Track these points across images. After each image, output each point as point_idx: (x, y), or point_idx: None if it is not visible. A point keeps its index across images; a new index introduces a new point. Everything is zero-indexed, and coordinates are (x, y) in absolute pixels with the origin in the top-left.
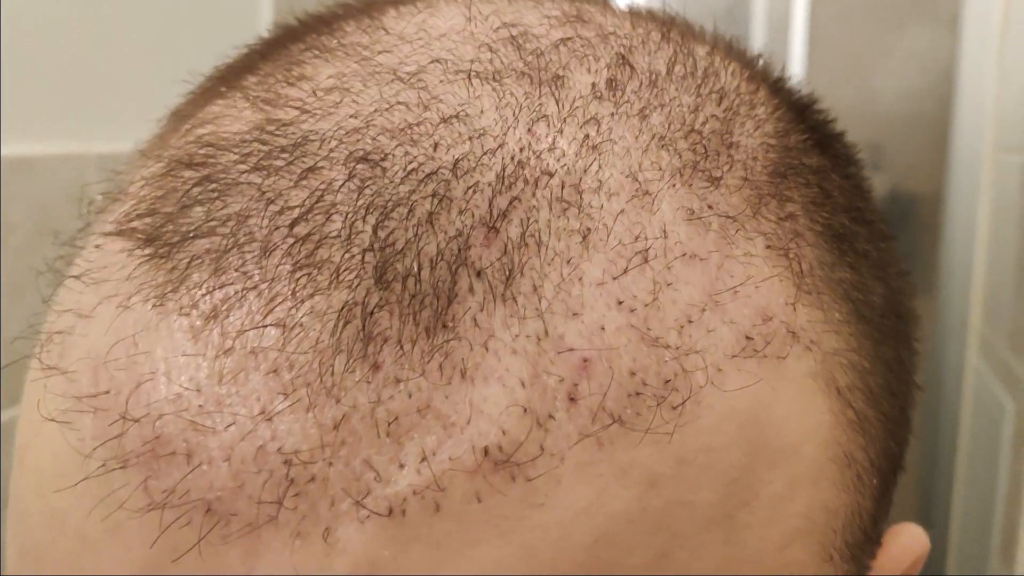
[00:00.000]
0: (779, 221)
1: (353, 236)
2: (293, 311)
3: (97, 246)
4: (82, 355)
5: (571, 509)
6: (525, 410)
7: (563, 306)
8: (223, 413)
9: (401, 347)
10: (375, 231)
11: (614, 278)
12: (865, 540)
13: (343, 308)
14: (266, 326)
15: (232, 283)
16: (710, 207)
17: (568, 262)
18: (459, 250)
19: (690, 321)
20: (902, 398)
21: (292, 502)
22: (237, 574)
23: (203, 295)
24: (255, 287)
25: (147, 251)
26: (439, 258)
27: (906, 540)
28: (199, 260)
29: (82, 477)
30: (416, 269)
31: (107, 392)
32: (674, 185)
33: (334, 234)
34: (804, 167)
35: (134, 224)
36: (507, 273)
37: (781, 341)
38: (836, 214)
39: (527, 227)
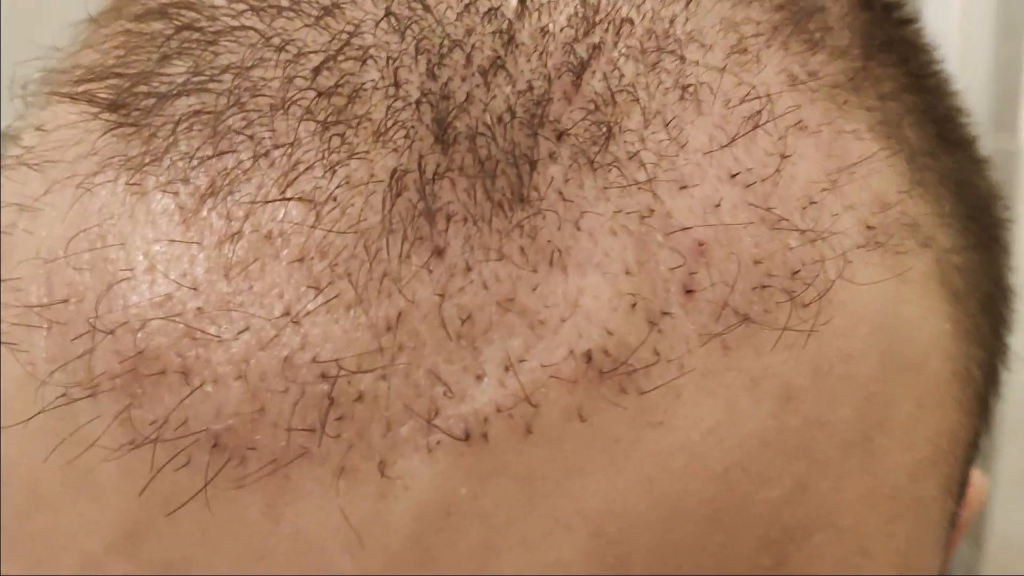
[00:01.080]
0: (880, 99)
1: (397, 86)
2: (323, 181)
3: (40, 126)
4: (28, 256)
5: (696, 429)
6: (633, 305)
7: (668, 177)
8: (231, 317)
9: (471, 225)
10: (425, 80)
11: (723, 146)
12: (967, 475)
13: (393, 176)
14: (288, 199)
15: (235, 150)
16: (811, 74)
17: (668, 124)
18: (535, 105)
19: (812, 202)
20: (1003, 307)
21: (334, 428)
22: (258, 528)
23: (195, 167)
24: (267, 153)
25: (112, 117)
26: (510, 115)
27: (973, 487)
28: (186, 124)
29: (35, 411)
30: (484, 127)
31: (65, 300)
32: (770, 45)
33: (371, 84)
34: (893, 44)
35: (91, 87)
36: (597, 135)
37: (901, 233)
38: (930, 97)
39: (614, 81)
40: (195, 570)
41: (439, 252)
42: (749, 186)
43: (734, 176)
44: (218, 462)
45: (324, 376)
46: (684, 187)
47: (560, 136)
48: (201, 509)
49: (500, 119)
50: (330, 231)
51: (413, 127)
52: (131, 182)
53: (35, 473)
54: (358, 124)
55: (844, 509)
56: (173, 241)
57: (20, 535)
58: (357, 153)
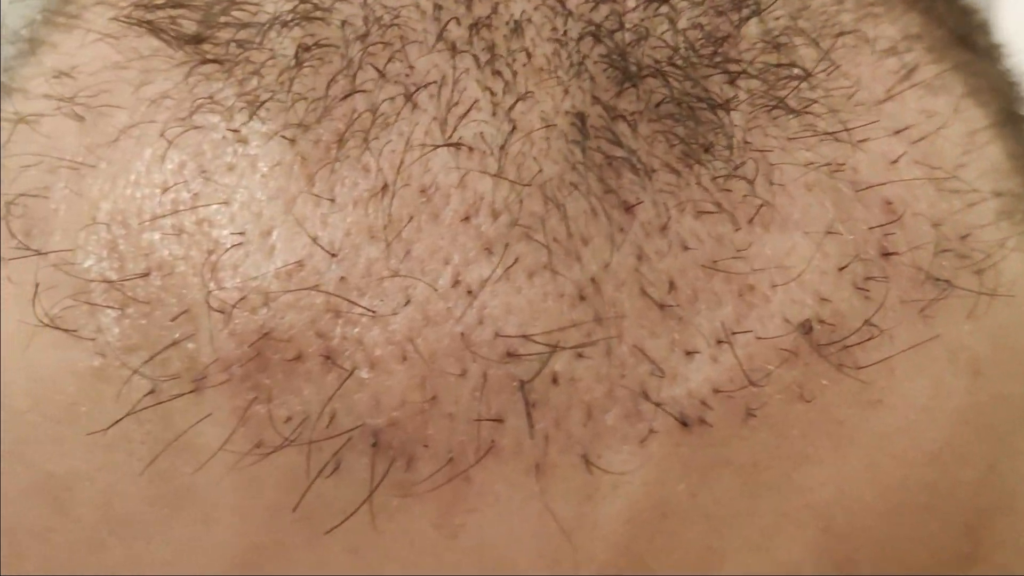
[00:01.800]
0: (968, 67)
1: (565, 16)
2: (487, 127)
3: (66, 71)
4: (79, 222)
5: (911, 408)
6: (841, 268)
7: (843, 128)
8: (385, 287)
9: (662, 177)
10: (586, 11)
11: (881, 101)
12: None
13: (569, 120)
14: (450, 145)
15: (375, 87)
16: (919, 36)
17: (836, 72)
18: (706, 41)
19: (960, 165)
20: None
21: (520, 419)
22: (431, 545)
23: (315, 111)
24: (410, 95)
25: (192, 52)
26: (690, 51)
27: None
28: (308, 57)
29: (115, 414)
30: (667, 65)
31: (145, 274)
32: (890, 5)
33: (527, 16)
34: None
35: (160, 15)
36: (775, 80)
37: (1018, 205)
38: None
39: (782, 21)
40: None
41: (629, 208)
42: (915, 143)
43: (899, 132)
44: (380, 466)
45: (510, 355)
46: (863, 140)
47: (734, 80)
48: (364, 526)
49: (671, 56)
50: (500, 185)
51: (583, 64)
52: (230, 125)
53: (113, 491)
54: (517, 61)
55: (1022, 491)
56: (296, 199)
57: (89, 567)
58: (523, 93)
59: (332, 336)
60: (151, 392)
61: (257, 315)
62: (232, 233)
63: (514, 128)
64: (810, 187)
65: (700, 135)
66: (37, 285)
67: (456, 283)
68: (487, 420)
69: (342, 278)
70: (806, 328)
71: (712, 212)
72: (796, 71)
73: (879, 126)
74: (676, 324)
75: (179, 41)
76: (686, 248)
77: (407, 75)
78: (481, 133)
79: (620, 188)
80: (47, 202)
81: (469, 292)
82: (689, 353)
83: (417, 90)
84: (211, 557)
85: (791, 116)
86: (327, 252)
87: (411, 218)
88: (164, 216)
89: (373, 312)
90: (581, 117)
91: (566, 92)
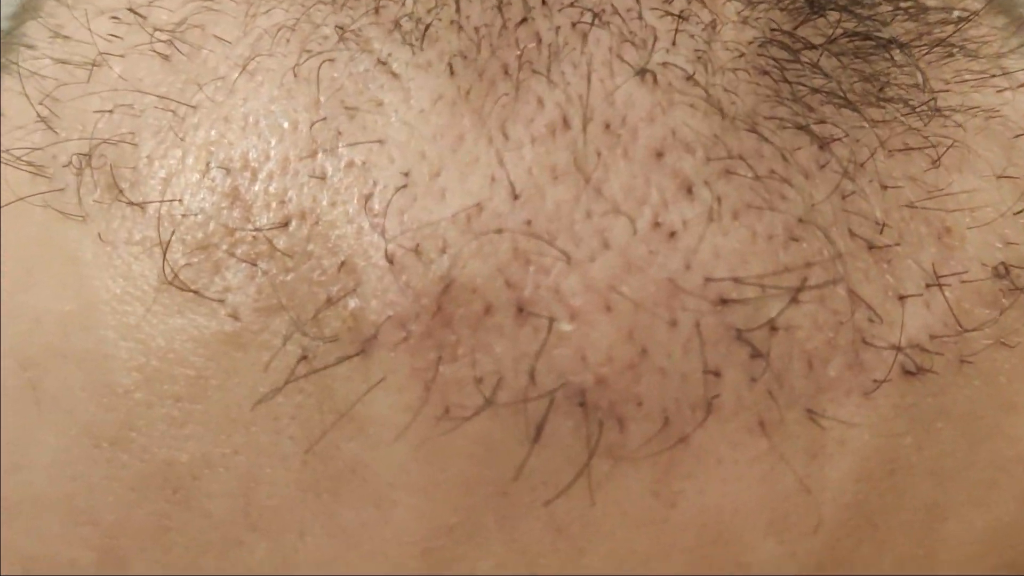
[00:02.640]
0: None
1: None
2: (674, 56)
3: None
4: (187, 167)
5: None
6: (1016, 214)
7: (1002, 72)
8: (578, 231)
9: (848, 112)
10: None
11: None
12: None
13: (753, 49)
14: (643, 72)
15: (541, 16)
16: None
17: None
18: None
19: None
20: None
21: (746, 369)
22: (647, 514)
23: (471, 40)
24: (575, 24)
25: None
26: None
27: None
28: None
29: (263, 387)
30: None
31: (283, 224)
32: None
33: None
34: None
35: None
36: (931, 18)
37: None
38: None
39: None
40: None
41: (825, 145)
42: None
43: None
44: (589, 429)
45: (723, 302)
46: (1021, 85)
47: (890, 22)
48: (575, 494)
49: None
50: (691, 119)
51: None
52: (382, 60)
53: (255, 479)
54: None
55: None
56: (465, 136)
57: (221, 571)
58: (705, 21)
59: (524, 285)
60: (303, 358)
61: (435, 265)
62: (395, 174)
63: (701, 57)
64: (978, 130)
65: (878, 71)
66: (165, 242)
67: (656, 225)
68: (709, 373)
69: (528, 221)
70: (1000, 272)
71: (905, 150)
72: (956, 14)
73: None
74: (887, 267)
75: None
76: (884, 188)
77: (570, 3)
78: (667, 63)
79: (810, 123)
80: (135, 149)
81: (672, 234)
82: (902, 297)
83: (594, 17)
84: (388, 547)
85: (953, 58)
86: (508, 194)
87: (599, 155)
88: (299, 159)
89: (567, 258)
90: (768, 45)
91: (745, 22)
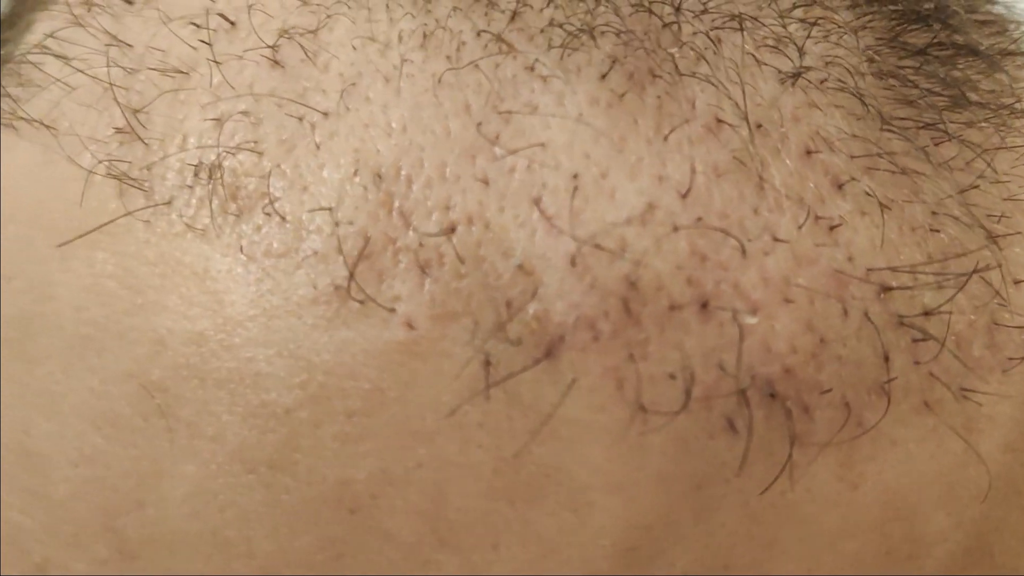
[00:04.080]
0: None
1: None
2: (808, 57)
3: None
4: (329, 174)
5: None
6: None
7: None
8: (747, 227)
9: (957, 113)
10: None
11: None
12: None
13: (867, 55)
14: (795, 76)
15: (675, 22)
16: None
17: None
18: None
19: None
20: None
21: (904, 356)
22: (835, 498)
23: (616, 44)
24: (724, 24)
25: None
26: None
27: None
28: None
29: (438, 400)
30: (939, 14)
31: (451, 229)
32: None
33: None
34: None
35: None
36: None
37: None
38: None
39: None
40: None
41: (939, 143)
42: None
43: None
44: (780, 418)
45: (885, 290)
46: None
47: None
48: (754, 492)
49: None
50: (832, 117)
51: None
52: (528, 66)
53: (443, 493)
54: None
55: None
56: (626, 137)
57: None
58: (828, 28)
59: (704, 281)
60: (486, 364)
61: (618, 264)
62: (566, 177)
63: (832, 62)
64: None
65: (964, 79)
66: (315, 253)
67: (817, 219)
68: (878, 360)
69: (698, 218)
70: None
71: (999, 148)
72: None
73: None
74: (1002, 255)
75: None
76: (994, 182)
77: (703, 10)
78: (803, 67)
79: (933, 123)
80: (259, 158)
81: (832, 228)
82: (1017, 282)
83: (736, 22)
84: (585, 551)
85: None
86: (677, 192)
87: (758, 153)
88: (461, 164)
89: (743, 252)
90: (881, 53)
91: (859, 29)
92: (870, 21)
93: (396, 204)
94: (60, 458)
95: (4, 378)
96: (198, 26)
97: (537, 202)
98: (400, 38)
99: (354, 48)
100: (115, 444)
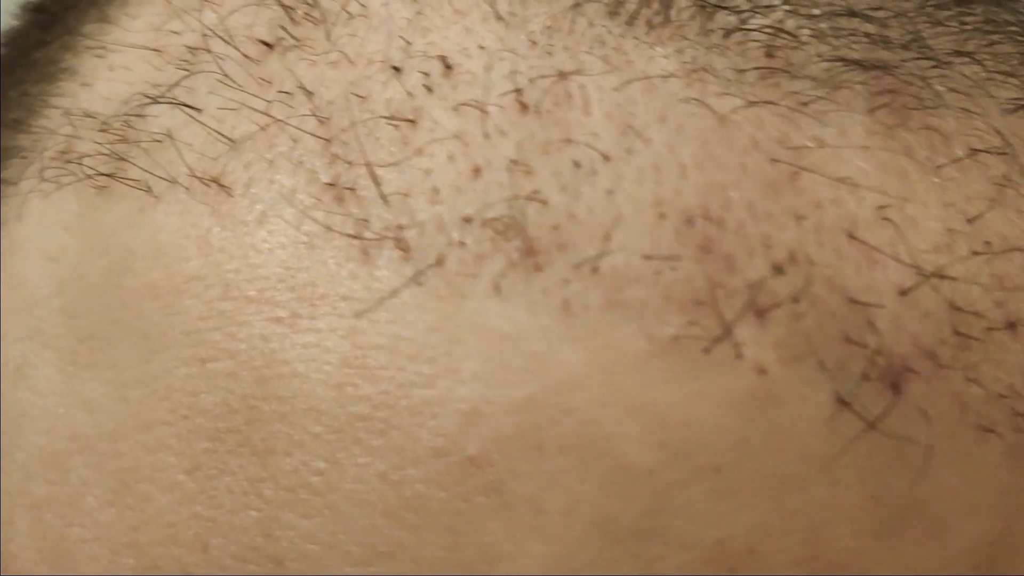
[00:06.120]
0: None
1: None
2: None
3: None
4: (647, 221)
5: None
6: None
7: None
8: None
9: None
10: None
11: None
12: None
13: None
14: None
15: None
16: None
17: None
18: None
19: None
20: None
21: None
22: None
23: (897, 75)
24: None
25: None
26: None
27: None
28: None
29: (818, 440)
30: None
31: (779, 269)
32: None
33: None
34: None
35: None
36: None
37: None
38: None
39: None
40: None
41: None
42: None
43: None
44: None
45: None
46: None
47: None
48: None
49: None
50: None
51: None
52: (804, 101)
53: (820, 536)
54: None
55: None
56: (907, 170)
57: None
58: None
59: (1007, 302)
60: (839, 403)
61: (942, 291)
62: (870, 209)
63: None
64: None
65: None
66: (643, 302)
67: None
68: None
69: (987, 242)
70: None
71: None
72: None
73: None
74: None
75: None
76: None
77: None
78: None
79: None
80: (545, 208)
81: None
82: None
83: (950, 56)
84: (948, 572)
85: None
86: (965, 220)
87: (1016, 183)
88: (779, 200)
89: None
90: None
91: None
92: None
93: (715, 246)
94: (340, 560)
95: (227, 475)
96: (398, 70)
97: (852, 234)
98: (663, 77)
99: (615, 89)
100: (424, 533)
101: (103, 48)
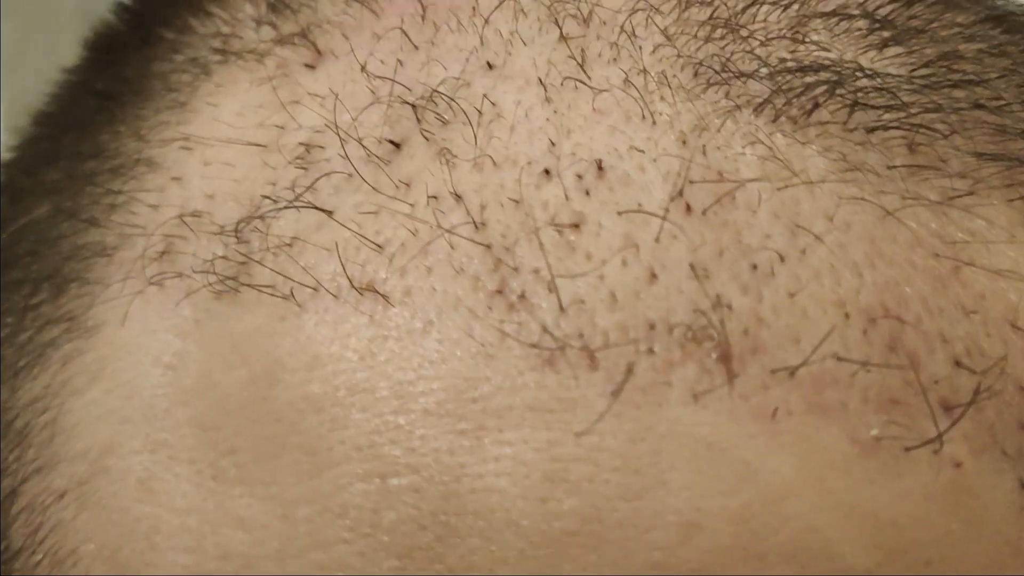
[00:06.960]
0: None
1: None
2: None
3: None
4: (831, 322)
5: None
6: None
7: None
8: None
9: None
10: None
11: None
12: None
13: None
14: None
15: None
16: None
17: None
18: None
19: None
20: None
21: None
22: None
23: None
24: None
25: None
26: None
27: None
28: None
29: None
30: None
31: (956, 361)
32: None
33: None
34: None
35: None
36: None
37: None
38: None
39: None
40: None
41: None
42: None
43: None
44: None
45: None
46: None
47: None
48: None
49: None
50: None
51: None
52: (948, 196)
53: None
54: None
55: None
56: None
57: None
58: None
59: None
60: (1021, 486)
61: None
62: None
63: None
64: None
65: None
66: (843, 405)
67: None
68: None
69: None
70: None
71: None
72: None
73: None
74: None
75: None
76: None
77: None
78: None
79: None
80: (731, 313)
81: None
82: None
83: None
84: None
85: None
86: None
87: None
88: (942, 295)
89: None
90: None
91: None
92: None
93: (899, 344)
94: None
95: None
96: (548, 172)
97: (1015, 324)
98: (821, 177)
99: (779, 189)
100: None
101: (186, 139)
